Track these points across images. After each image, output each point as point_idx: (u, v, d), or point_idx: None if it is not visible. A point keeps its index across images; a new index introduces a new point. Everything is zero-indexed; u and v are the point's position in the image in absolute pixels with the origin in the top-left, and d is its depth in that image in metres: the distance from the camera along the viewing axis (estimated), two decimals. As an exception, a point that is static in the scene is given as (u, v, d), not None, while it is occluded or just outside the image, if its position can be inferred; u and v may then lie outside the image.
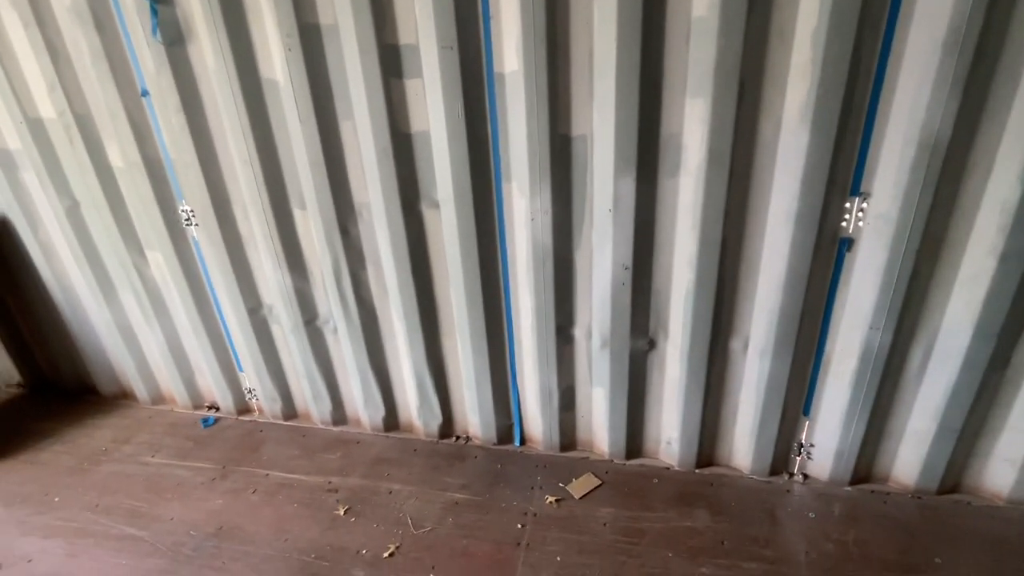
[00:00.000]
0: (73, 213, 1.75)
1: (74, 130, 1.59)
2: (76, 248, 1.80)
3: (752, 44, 1.12)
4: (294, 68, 1.34)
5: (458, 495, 1.58)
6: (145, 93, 1.51)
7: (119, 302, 1.90)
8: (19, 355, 2.15)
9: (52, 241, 1.84)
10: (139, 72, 1.49)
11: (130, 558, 1.43)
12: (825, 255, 1.28)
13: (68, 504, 1.63)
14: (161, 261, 1.75)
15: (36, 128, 1.63)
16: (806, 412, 1.50)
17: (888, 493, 1.50)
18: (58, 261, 1.88)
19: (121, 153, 1.60)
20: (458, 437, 1.82)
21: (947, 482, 1.46)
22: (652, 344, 1.50)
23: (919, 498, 1.47)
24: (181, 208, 1.66)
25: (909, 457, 1.46)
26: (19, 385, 2.22)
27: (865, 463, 1.50)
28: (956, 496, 1.47)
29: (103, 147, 1.63)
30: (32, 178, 1.73)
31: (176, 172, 1.59)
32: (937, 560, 1.29)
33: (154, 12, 1.35)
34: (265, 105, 1.44)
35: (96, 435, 1.93)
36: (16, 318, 2.05)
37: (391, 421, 1.85)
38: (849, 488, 1.52)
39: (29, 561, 1.44)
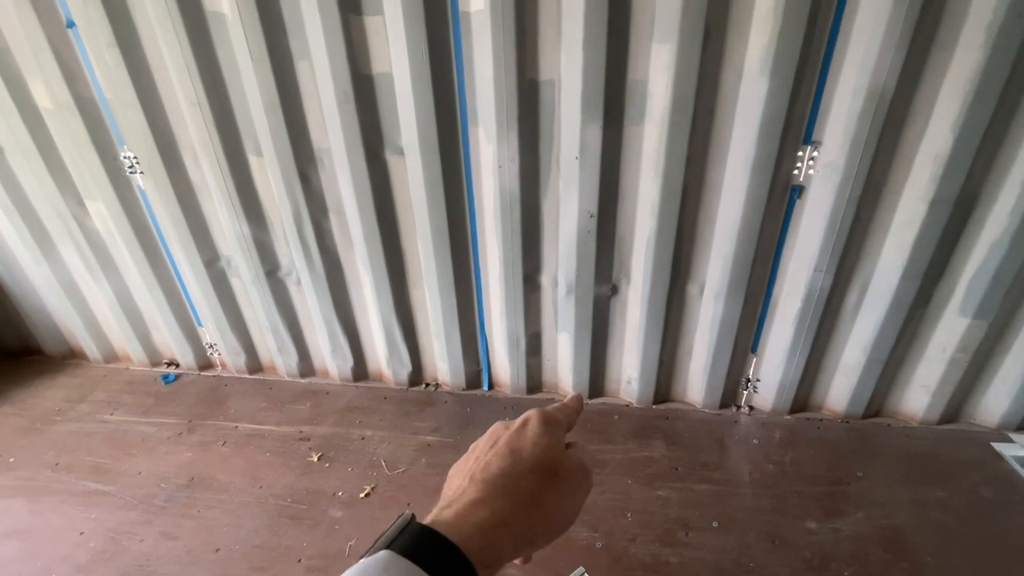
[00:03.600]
0: (-3, 159, 1.60)
1: (-10, 65, 1.44)
2: (4, 199, 1.66)
3: (718, -11, 1.13)
4: (242, 0, 1.25)
5: (430, 438, 1.64)
6: (71, 24, 1.37)
7: (59, 257, 1.79)
8: (-52, 315, 2.01)
9: (-25, 190, 1.69)
10: (62, 0, 1.34)
11: (99, 512, 1.42)
12: (777, 202, 1.36)
13: (25, 464, 1.58)
14: (104, 211, 1.64)
15: (-57, 62, 1.46)
16: (754, 350, 1.62)
17: (821, 420, 1.67)
18: (-16, 212, 1.73)
19: (48, 93, 1.46)
20: (427, 384, 1.87)
21: (871, 408, 1.63)
22: (615, 290, 1.56)
23: (847, 422, 1.65)
24: (123, 154, 1.55)
25: (840, 387, 1.61)
26: (-48, 347, 2.08)
27: (803, 394, 1.66)
28: (878, 420, 1.66)
29: (27, 86, 1.48)
30: (-56, 119, 1.56)
31: (114, 114, 1.48)
32: (859, 473, 1.47)
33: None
34: (212, 41, 1.34)
35: (47, 395, 1.86)
36: (-60, 275, 1.90)
37: (360, 371, 1.87)
38: (788, 417, 1.68)
39: (-11, 521, 1.41)
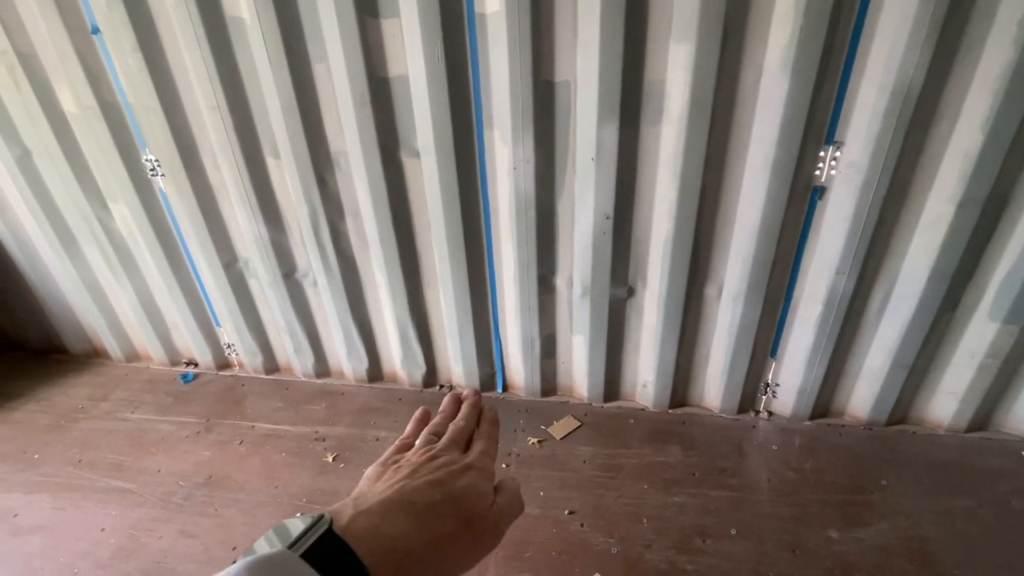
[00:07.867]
0: (24, 162, 1.64)
1: (19, 71, 1.47)
2: (31, 200, 1.70)
3: (737, -13, 1.11)
4: (261, 5, 1.26)
5: (444, 440, 1.64)
6: (96, 31, 1.40)
7: (84, 258, 1.83)
8: (-22, 314, 2.06)
9: (3, 193, 1.74)
10: (88, 7, 1.37)
11: (119, 508, 1.45)
12: (798, 204, 1.33)
13: (49, 460, 1.62)
14: (127, 214, 1.67)
15: (-25, 68, 1.50)
16: (773, 354, 1.59)
17: (843, 426, 1.63)
18: (12, 215, 1.78)
19: (74, 97, 1.50)
20: (442, 386, 1.87)
21: (896, 414, 1.59)
22: (631, 292, 1.54)
23: (870, 429, 1.61)
24: (145, 157, 1.58)
25: (864, 392, 1.57)
26: (-19, 345, 2.14)
27: (824, 400, 1.62)
28: (902, 427, 1.61)
29: (53, 91, 1.52)
30: (-25, 124, 1.61)
31: (137, 118, 1.51)
32: (883, 482, 1.43)
33: (101, -63, 1.24)
34: (231, 45, 1.36)
35: (71, 393, 1.90)
36: (-29, 276, 1.96)
37: (375, 372, 1.87)
38: (809, 422, 1.64)
39: (15, 516, 1.44)
